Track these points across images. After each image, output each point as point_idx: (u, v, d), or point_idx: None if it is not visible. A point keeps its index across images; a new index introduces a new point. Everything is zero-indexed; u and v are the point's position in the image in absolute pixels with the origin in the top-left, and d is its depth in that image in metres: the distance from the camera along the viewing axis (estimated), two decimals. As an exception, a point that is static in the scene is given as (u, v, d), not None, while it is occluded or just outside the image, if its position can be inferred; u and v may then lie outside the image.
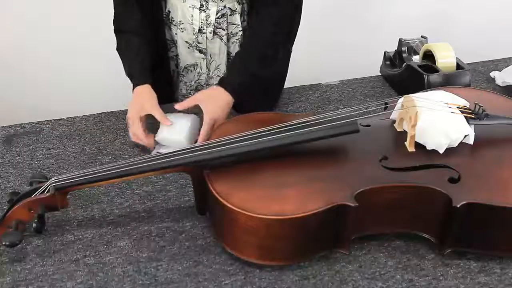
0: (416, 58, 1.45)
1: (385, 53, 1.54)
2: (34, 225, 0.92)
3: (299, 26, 1.45)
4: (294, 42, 1.46)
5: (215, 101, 1.20)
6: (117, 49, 1.31)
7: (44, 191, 0.94)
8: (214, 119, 1.16)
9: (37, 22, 2.20)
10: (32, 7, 2.18)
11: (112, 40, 1.32)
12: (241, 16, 1.34)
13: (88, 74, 2.26)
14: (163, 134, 1.18)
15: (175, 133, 1.17)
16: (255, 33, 1.28)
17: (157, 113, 1.18)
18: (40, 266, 0.92)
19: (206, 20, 1.31)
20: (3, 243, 0.90)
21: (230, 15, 1.32)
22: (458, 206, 0.85)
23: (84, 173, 0.96)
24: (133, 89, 1.23)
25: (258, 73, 1.25)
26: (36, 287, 0.89)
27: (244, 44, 1.33)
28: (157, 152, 1.17)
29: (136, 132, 1.18)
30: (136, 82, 1.23)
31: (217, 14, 1.30)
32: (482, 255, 0.92)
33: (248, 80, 1.23)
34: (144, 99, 1.20)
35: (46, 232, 0.98)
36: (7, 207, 0.96)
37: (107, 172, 0.95)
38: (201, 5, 1.29)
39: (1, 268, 0.92)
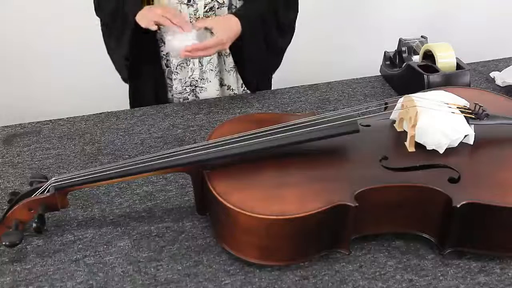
0: (416, 58, 1.45)
1: (385, 53, 1.54)
2: (34, 225, 0.92)
3: (299, 26, 1.45)
4: (294, 42, 1.46)
5: (229, 25, 1.26)
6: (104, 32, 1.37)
7: (44, 191, 0.94)
8: (223, 39, 1.24)
9: (37, 22, 2.20)
10: (32, 7, 2.18)
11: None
12: (228, 9, 1.35)
13: (88, 74, 2.26)
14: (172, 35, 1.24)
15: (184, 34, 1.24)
16: None
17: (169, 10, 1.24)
18: (40, 266, 0.92)
19: (194, 14, 1.32)
20: (3, 243, 0.90)
21: (218, 8, 1.33)
22: (458, 206, 0.85)
23: (84, 173, 0.96)
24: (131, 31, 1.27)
25: (266, 18, 1.34)
26: (36, 287, 0.89)
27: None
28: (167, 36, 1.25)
29: (158, 11, 1.23)
30: (132, 15, 1.26)
31: (205, 7, 1.31)
32: (482, 255, 0.92)
33: (258, 20, 1.32)
34: (150, 9, 1.26)
35: (46, 232, 0.98)
36: (7, 207, 0.96)
37: (107, 172, 0.95)
38: (189, 0, 1.30)
39: (1, 268, 0.92)
